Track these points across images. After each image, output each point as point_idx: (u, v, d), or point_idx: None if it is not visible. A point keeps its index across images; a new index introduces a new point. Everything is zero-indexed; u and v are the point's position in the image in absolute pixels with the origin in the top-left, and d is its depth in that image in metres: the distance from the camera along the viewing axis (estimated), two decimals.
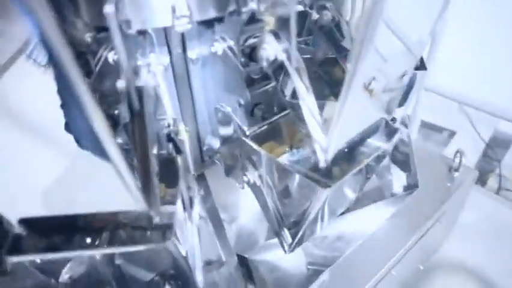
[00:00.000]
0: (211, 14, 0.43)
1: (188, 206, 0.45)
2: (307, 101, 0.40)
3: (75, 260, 0.51)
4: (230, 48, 0.46)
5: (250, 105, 0.54)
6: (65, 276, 0.52)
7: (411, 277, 0.91)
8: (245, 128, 0.50)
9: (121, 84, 0.36)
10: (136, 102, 0.35)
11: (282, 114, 0.52)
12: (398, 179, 0.65)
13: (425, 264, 0.95)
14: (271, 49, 0.41)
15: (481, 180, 1.53)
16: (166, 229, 0.35)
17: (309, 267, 0.68)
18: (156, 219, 0.34)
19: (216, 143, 0.62)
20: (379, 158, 0.52)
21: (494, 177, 1.57)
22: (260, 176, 0.48)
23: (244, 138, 0.48)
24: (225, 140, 0.60)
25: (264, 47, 0.42)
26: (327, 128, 0.39)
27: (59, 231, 0.35)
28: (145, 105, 0.37)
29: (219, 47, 0.46)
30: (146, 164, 0.34)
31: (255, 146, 0.46)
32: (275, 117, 0.53)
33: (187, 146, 0.47)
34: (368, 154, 0.45)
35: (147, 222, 0.34)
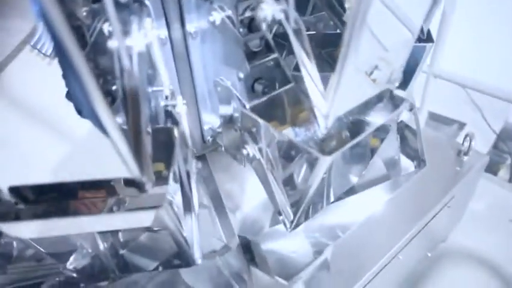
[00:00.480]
0: None
1: (185, 179, 0.44)
2: (308, 67, 0.38)
3: (78, 252, 0.50)
4: (228, 18, 0.45)
5: (251, 80, 0.53)
6: (70, 266, 0.51)
7: (418, 264, 0.89)
8: (245, 102, 0.49)
9: (112, 43, 0.34)
10: (128, 65, 0.34)
11: (284, 88, 0.51)
12: (404, 157, 0.63)
13: (433, 251, 0.93)
14: (269, 9, 0.39)
15: (492, 171, 1.50)
16: (159, 197, 0.34)
17: (310, 251, 0.67)
18: (148, 186, 0.33)
19: (216, 122, 0.60)
20: (383, 132, 0.51)
21: (505, 169, 1.54)
22: (260, 149, 0.46)
23: (243, 110, 0.47)
24: (227, 120, 0.59)
25: (261, 7, 0.41)
26: (328, 95, 0.38)
27: (51, 199, 0.34)
28: (137, 70, 0.35)
29: (217, 17, 0.45)
30: (138, 129, 0.33)
31: (254, 116, 0.45)
32: (276, 91, 0.52)
33: (185, 120, 0.46)
34: (372, 125, 0.43)
35: (140, 189, 0.33)
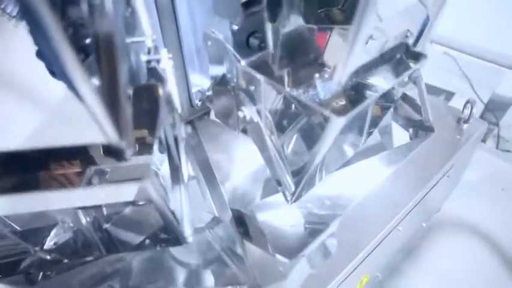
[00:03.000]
0: None
1: (173, 147, 0.38)
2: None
3: (59, 227, 0.45)
4: None
5: (245, 34, 0.46)
6: (50, 243, 0.46)
7: (414, 234, 0.86)
8: (240, 58, 0.42)
9: None
10: (100, 6, 0.27)
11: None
12: (410, 124, 0.59)
13: (427, 222, 0.91)
14: None
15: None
16: (143, 168, 0.28)
17: (306, 226, 0.63)
18: (129, 153, 0.27)
19: (206, 83, 0.54)
20: (387, 100, 0.46)
21: (491, 138, 1.53)
22: (258, 111, 0.40)
23: (239, 65, 0.40)
24: (217, 81, 0.52)
25: None
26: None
27: (21, 169, 0.28)
28: (112, 13, 0.29)
29: None
30: (114, 86, 0.26)
31: (253, 72, 0.38)
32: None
33: (172, 77, 0.40)
34: (378, 89, 0.37)
35: (118, 157, 0.27)
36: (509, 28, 1.32)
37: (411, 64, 0.40)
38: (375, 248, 0.63)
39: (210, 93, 0.54)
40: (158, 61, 0.39)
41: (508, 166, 1.12)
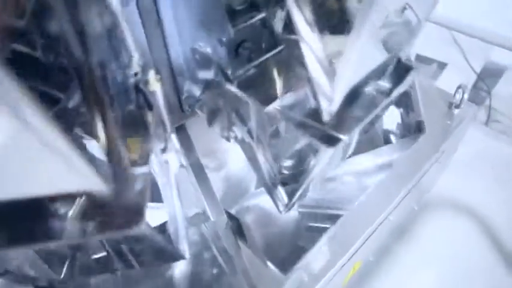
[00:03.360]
0: None
1: (164, 168, 0.38)
2: (308, 38, 0.31)
3: None
4: None
5: (234, 44, 0.45)
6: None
7: (406, 218, 0.89)
8: (229, 72, 0.42)
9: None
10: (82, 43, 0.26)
11: (273, 52, 0.44)
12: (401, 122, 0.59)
13: (419, 203, 0.93)
14: None
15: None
16: (136, 208, 0.28)
17: (300, 210, 0.64)
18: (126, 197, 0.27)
19: (196, 90, 0.53)
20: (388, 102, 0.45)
21: (482, 110, 1.54)
22: (249, 131, 0.40)
23: (228, 87, 0.40)
24: (207, 86, 0.51)
25: None
26: (333, 73, 0.31)
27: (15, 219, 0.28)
28: (94, 47, 0.28)
29: None
30: (106, 120, 0.26)
31: (241, 96, 0.38)
32: (264, 57, 0.45)
33: (160, 99, 0.39)
34: (379, 99, 0.37)
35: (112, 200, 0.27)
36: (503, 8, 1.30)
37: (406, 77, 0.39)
38: (367, 239, 0.65)
39: (201, 97, 0.54)
40: (146, 83, 0.38)
41: (497, 144, 1.14)
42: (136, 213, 0.28)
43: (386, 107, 0.41)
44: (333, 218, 0.58)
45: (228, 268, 0.51)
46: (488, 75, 1.58)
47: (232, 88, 0.39)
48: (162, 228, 0.50)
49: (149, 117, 0.35)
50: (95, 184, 0.25)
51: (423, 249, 0.88)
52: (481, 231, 0.91)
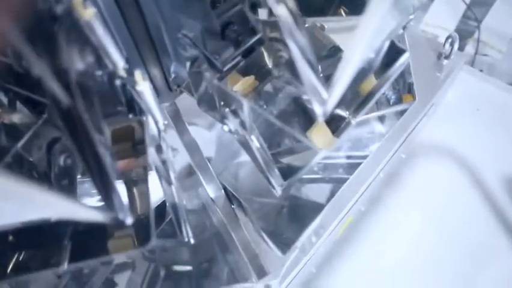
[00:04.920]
0: None
1: (163, 171, 0.39)
2: (296, 35, 0.30)
3: None
4: None
5: (220, 27, 0.43)
6: None
7: (395, 167, 0.92)
8: (216, 62, 0.40)
9: None
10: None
11: (256, 38, 0.42)
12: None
13: (406, 152, 0.96)
14: None
15: (459, 47, 1.49)
16: (143, 225, 0.29)
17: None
18: (128, 221, 0.28)
19: (183, 71, 0.52)
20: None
21: (471, 43, 1.52)
22: (242, 123, 0.40)
23: (217, 83, 0.39)
24: (194, 63, 0.50)
25: None
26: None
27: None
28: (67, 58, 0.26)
29: None
30: (95, 156, 0.26)
31: (232, 93, 0.37)
32: (253, 39, 0.43)
33: (150, 98, 0.38)
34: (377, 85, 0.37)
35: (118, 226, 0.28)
36: None
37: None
38: (358, 199, 0.68)
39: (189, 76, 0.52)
40: (133, 83, 0.37)
41: (482, 85, 1.14)
42: (144, 230, 0.29)
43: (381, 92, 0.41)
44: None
45: (228, 240, 0.54)
46: (478, 5, 1.54)
47: (222, 86, 0.38)
48: (162, 212, 0.52)
49: (141, 123, 0.34)
50: (94, 215, 0.25)
51: (411, 195, 0.92)
52: (466, 174, 0.95)
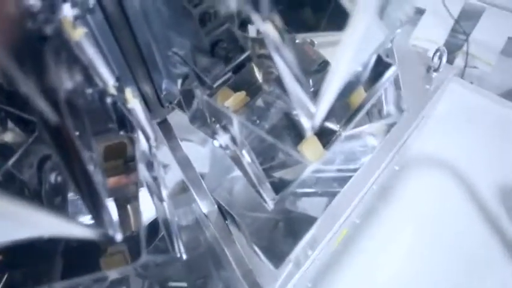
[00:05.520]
0: None
1: (154, 188, 0.39)
2: (282, 52, 0.30)
3: None
4: None
5: (209, 45, 0.44)
6: None
7: (388, 179, 0.93)
8: (206, 79, 0.41)
9: None
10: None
11: (245, 55, 0.43)
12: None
13: (399, 164, 0.97)
14: None
15: (448, 60, 1.52)
16: (135, 242, 0.29)
17: None
18: (117, 238, 0.28)
19: (175, 88, 0.52)
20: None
21: (460, 56, 1.55)
22: (233, 138, 0.41)
23: (207, 99, 0.39)
24: (185, 80, 0.51)
25: None
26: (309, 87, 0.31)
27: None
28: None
29: None
30: (85, 176, 0.26)
31: (223, 109, 0.38)
32: (243, 56, 0.44)
33: (141, 115, 0.38)
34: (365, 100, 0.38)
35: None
36: None
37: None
38: (351, 212, 0.68)
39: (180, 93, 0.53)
40: (124, 101, 0.37)
41: (473, 96, 1.16)
42: (135, 247, 0.29)
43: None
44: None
45: (222, 256, 0.54)
46: (466, 19, 1.58)
47: (212, 102, 0.39)
48: (156, 228, 0.51)
49: (132, 140, 0.34)
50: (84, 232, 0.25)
51: (404, 207, 0.93)
52: (459, 185, 0.96)
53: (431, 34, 1.72)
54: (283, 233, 0.57)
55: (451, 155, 1.01)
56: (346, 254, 0.85)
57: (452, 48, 1.54)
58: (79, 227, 0.25)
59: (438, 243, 0.85)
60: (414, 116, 0.77)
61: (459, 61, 1.53)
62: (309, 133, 0.34)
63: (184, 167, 0.59)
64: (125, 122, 0.38)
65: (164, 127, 0.59)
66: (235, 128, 0.38)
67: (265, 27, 0.28)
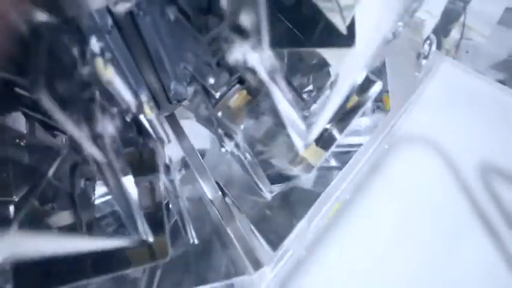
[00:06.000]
0: None
1: (170, 187, 0.45)
2: (274, 82, 0.35)
3: None
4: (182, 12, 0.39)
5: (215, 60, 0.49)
6: None
7: (378, 157, 1.00)
8: (212, 91, 0.46)
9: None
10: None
11: None
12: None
13: (389, 143, 1.03)
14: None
15: (445, 32, 1.54)
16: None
17: None
18: (150, 240, 0.34)
19: (182, 89, 0.57)
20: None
21: (457, 28, 1.57)
22: (237, 145, 0.46)
23: (216, 115, 0.45)
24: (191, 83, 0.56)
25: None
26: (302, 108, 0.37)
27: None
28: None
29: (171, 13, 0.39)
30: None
31: (227, 123, 0.43)
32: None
33: (157, 124, 0.44)
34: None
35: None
36: None
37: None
38: (345, 188, 0.75)
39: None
40: (141, 112, 0.43)
41: (463, 77, 1.20)
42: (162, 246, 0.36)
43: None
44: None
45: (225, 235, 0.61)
46: None
47: (219, 116, 0.44)
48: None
49: (153, 152, 0.41)
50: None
51: (392, 183, 1.00)
52: (445, 163, 1.03)
53: (429, 5, 1.72)
54: (280, 208, 0.64)
55: (437, 135, 1.07)
56: (338, 226, 0.93)
57: (450, 17, 1.55)
58: (116, 240, 0.31)
59: (422, 217, 0.93)
60: (403, 102, 0.82)
61: (455, 33, 1.55)
62: (301, 151, 0.39)
63: (191, 157, 0.65)
64: (143, 134, 0.44)
65: (171, 120, 0.65)
66: (239, 138, 0.44)
67: (252, 60, 0.33)
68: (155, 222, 0.36)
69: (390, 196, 0.99)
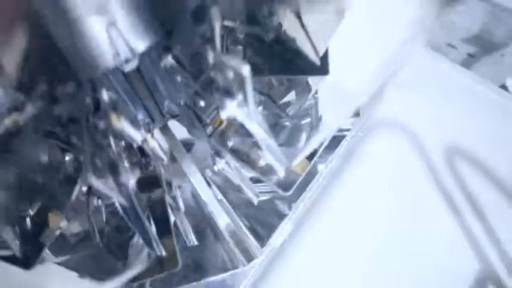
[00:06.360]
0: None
1: (172, 203, 0.53)
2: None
3: None
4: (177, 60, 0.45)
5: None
6: None
7: (353, 145, 1.08)
8: (203, 117, 0.53)
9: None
10: None
11: None
12: None
13: (363, 130, 1.12)
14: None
15: None
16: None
17: None
18: (163, 254, 0.42)
19: (175, 109, 0.64)
20: None
21: None
22: (227, 163, 0.54)
23: (207, 137, 0.52)
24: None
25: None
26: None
27: None
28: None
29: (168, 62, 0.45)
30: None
31: (219, 147, 0.50)
32: None
33: (159, 150, 0.51)
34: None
35: None
36: None
37: None
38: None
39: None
40: (143, 142, 0.50)
41: (434, 63, 1.28)
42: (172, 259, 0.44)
43: None
44: None
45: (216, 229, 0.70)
46: None
47: (212, 140, 0.51)
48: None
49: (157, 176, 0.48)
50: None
51: (366, 168, 1.10)
52: (413, 146, 1.12)
53: None
54: (267, 210, 0.73)
55: (408, 119, 1.15)
56: (316, 209, 1.03)
57: None
58: (139, 264, 0.39)
59: (393, 200, 1.03)
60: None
61: None
62: (281, 175, 0.47)
63: (184, 162, 0.72)
64: (146, 156, 0.51)
65: (164, 130, 0.72)
66: (228, 157, 0.52)
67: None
68: (164, 233, 0.44)
69: (365, 181, 1.08)
